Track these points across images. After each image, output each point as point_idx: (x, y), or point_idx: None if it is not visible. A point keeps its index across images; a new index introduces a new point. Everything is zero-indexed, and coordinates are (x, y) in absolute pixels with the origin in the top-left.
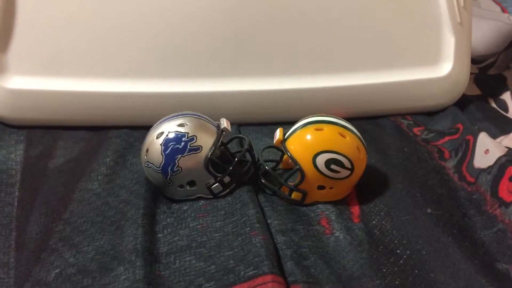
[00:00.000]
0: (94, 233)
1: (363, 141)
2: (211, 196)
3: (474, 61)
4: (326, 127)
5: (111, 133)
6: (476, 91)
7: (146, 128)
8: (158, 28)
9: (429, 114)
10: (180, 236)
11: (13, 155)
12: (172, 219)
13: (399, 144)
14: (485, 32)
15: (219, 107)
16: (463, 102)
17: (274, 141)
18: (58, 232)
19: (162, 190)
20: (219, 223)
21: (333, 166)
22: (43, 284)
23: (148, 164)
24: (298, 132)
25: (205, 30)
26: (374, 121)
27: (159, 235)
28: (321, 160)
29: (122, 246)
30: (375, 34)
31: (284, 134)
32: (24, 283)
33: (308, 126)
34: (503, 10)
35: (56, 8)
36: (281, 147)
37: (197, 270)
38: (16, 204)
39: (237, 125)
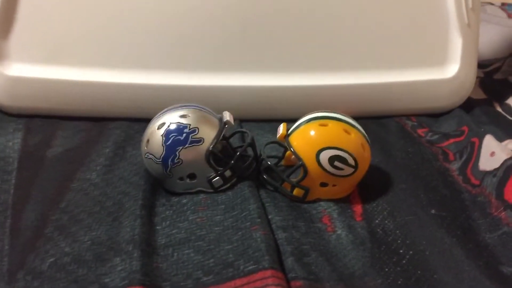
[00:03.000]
0: (91, 223)
1: (368, 139)
2: (211, 190)
3: (480, 65)
4: (330, 123)
5: (112, 125)
6: (481, 95)
7: (147, 121)
8: (162, 19)
9: (434, 116)
10: (178, 229)
11: (10, 143)
12: (171, 211)
13: (403, 145)
14: (491, 37)
15: (221, 101)
16: (468, 105)
17: (277, 136)
18: (54, 221)
19: (162, 182)
20: (219, 217)
21: (336, 163)
22: (37, 272)
23: (148, 155)
24: (302, 127)
25: (211, 24)
26: (378, 121)
27: (157, 227)
28: (324, 156)
29: (119, 237)
30: (382, 33)
31: (288, 130)
32: (18, 271)
33: (312, 121)
34: (509, 16)
35: None
36: (284, 142)
37: (195, 263)
38: (12, 191)
39: (239, 121)
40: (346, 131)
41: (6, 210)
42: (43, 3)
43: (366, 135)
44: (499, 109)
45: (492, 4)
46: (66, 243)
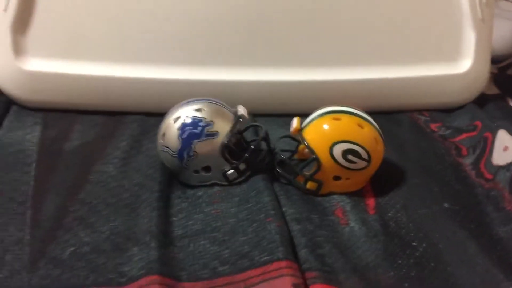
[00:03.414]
0: (109, 214)
1: (381, 133)
2: (226, 183)
3: (493, 60)
4: (344, 117)
5: (127, 119)
6: (494, 91)
7: (162, 115)
8: (177, 15)
9: (446, 111)
10: (194, 220)
11: (29, 136)
12: (186, 203)
13: (416, 140)
14: (504, 32)
15: (235, 96)
16: (481, 100)
17: (291, 130)
18: (73, 212)
19: (177, 175)
20: (233, 209)
21: (350, 157)
22: (58, 261)
23: (164, 148)
24: (315, 121)
25: (224, 19)
26: (391, 116)
27: (173, 219)
28: (338, 150)
29: (136, 228)
30: (395, 27)
31: (301, 124)
32: (39, 259)
33: (325, 115)
34: None
35: None
36: (297, 136)
37: (211, 254)
38: (32, 183)
39: (252, 115)
40: (359, 125)
41: (26, 201)
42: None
43: (379, 129)
44: None
45: None
46: (85, 233)
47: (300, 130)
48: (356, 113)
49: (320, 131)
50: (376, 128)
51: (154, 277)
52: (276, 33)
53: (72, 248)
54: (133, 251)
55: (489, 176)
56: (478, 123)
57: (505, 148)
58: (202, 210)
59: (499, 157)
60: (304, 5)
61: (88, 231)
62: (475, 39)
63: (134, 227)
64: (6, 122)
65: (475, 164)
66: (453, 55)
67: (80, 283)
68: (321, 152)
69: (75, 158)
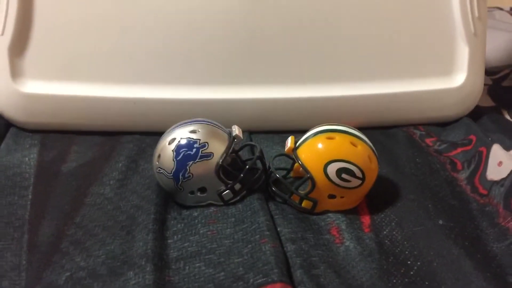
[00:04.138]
0: (105, 237)
1: (375, 151)
2: (222, 203)
3: (488, 72)
4: (337, 136)
5: (124, 139)
6: (489, 103)
7: (158, 134)
8: (172, 35)
9: (441, 125)
10: (190, 242)
11: (27, 159)
12: (182, 225)
13: (411, 155)
14: (500, 44)
15: (231, 114)
16: (476, 114)
17: (286, 149)
18: (69, 236)
19: (173, 196)
20: (229, 230)
21: (344, 175)
22: (54, 287)
23: (159, 170)
24: (309, 140)
25: (218, 38)
26: (386, 132)
27: (169, 241)
28: (332, 169)
29: (132, 251)
30: (388, 43)
31: (296, 142)
32: (35, 286)
33: (319, 134)
34: None
35: (72, 13)
36: (292, 155)
37: (206, 277)
38: (29, 207)
39: (249, 132)
40: (353, 144)
41: (23, 225)
42: (57, 22)
43: (373, 147)
44: (507, 116)
45: (501, 9)
46: (81, 257)
47: (294, 149)
48: (349, 132)
49: (314, 150)
50: (369, 146)
51: None
52: (271, 51)
53: (68, 273)
54: (128, 275)
55: (483, 191)
56: (473, 137)
57: (499, 163)
58: (198, 231)
59: (493, 172)
60: (299, 23)
61: (84, 255)
62: (469, 53)
63: (129, 250)
64: (3, 145)
65: (470, 178)
66: (447, 69)
67: None
68: (316, 171)
69: (72, 180)
